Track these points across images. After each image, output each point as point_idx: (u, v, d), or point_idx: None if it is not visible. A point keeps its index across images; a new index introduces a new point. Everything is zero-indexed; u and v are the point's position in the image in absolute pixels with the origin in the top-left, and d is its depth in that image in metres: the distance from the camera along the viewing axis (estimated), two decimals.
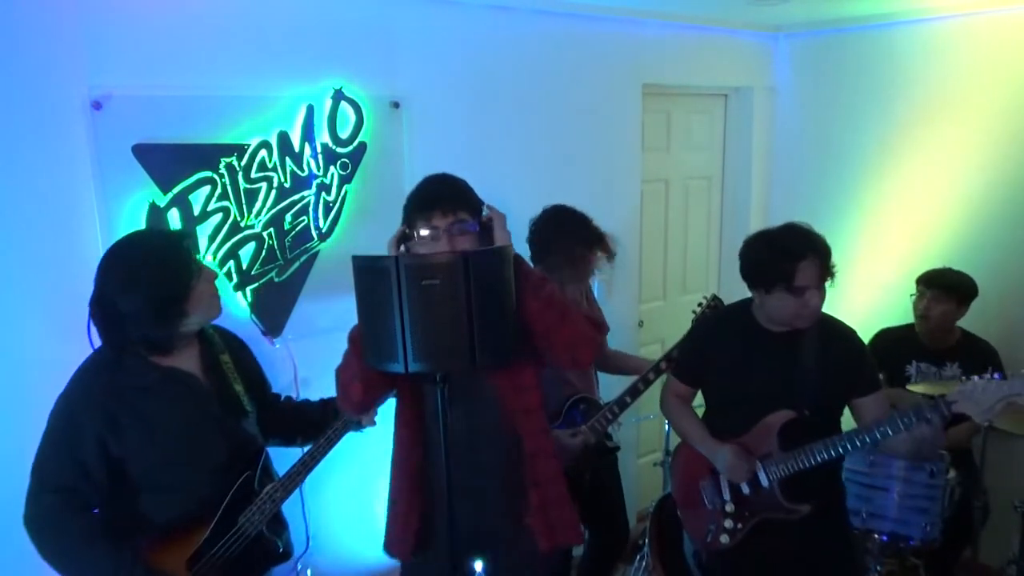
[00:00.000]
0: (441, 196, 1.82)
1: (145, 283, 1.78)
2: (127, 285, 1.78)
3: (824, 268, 2.12)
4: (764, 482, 2.23)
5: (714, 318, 2.47)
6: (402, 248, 1.84)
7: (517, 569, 1.96)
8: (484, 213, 1.87)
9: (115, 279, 1.80)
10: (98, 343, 1.88)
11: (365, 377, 1.80)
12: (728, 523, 2.30)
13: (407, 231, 1.84)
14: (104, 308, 1.81)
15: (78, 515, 1.82)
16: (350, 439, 2.19)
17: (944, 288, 3.06)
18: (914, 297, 3.14)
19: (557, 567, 2.13)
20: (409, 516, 1.93)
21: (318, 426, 2.16)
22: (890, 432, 2.06)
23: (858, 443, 2.12)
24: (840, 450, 2.14)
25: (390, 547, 2.02)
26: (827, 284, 2.15)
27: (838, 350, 2.20)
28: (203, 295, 1.88)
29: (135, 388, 1.85)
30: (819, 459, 2.16)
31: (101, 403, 1.81)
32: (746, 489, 2.27)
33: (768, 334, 2.23)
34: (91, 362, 1.89)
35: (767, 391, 2.22)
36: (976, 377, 1.97)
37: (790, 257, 2.10)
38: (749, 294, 2.28)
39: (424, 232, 1.80)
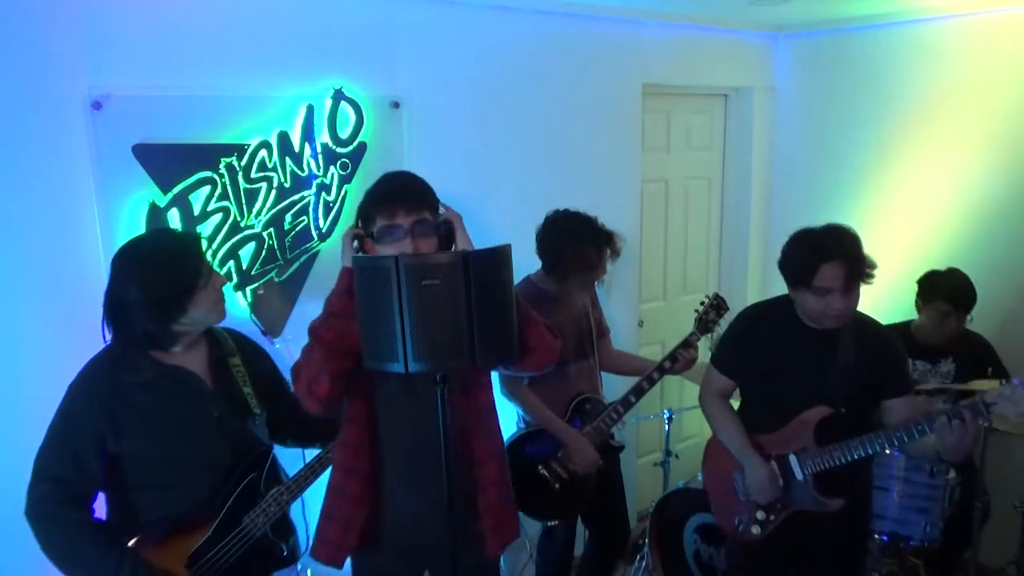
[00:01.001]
0: (406, 193, 1.80)
1: (149, 276, 1.80)
2: (133, 277, 1.81)
3: (853, 272, 2.10)
4: (799, 475, 2.25)
5: (756, 312, 2.46)
6: (355, 245, 1.80)
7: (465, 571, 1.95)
8: (441, 213, 1.84)
9: (123, 271, 1.83)
10: (109, 338, 1.90)
11: (331, 370, 1.73)
12: (760, 515, 2.32)
13: (360, 230, 1.81)
14: (112, 300, 1.84)
15: (70, 507, 1.82)
16: None
17: (967, 305, 2.97)
18: (926, 310, 3.04)
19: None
20: (353, 519, 1.89)
21: (334, 430, 2.14)
22: (928, 430, 2.06)
23: (895, 441, 2.12)
24: (877, 447, 2.16)
25: (321, 551, 1.94)
26: (861, 287, 2.13)
27: (874, 350, 2.22)
28: (208, 298, 1.88)
29: (134, 383, 1.86)
30: (855, 455, 2.18)
31: (102, 397, 1.83)
32: (780, 482, 2.28)
33: (808, 331, 2.24)
34: (98, 357, 1.92)
35: (805, 388, 2.24)
36: (1016, 381, 1.97)
37: (814, 258, 2.11)
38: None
39: (385, 229, 1.76)
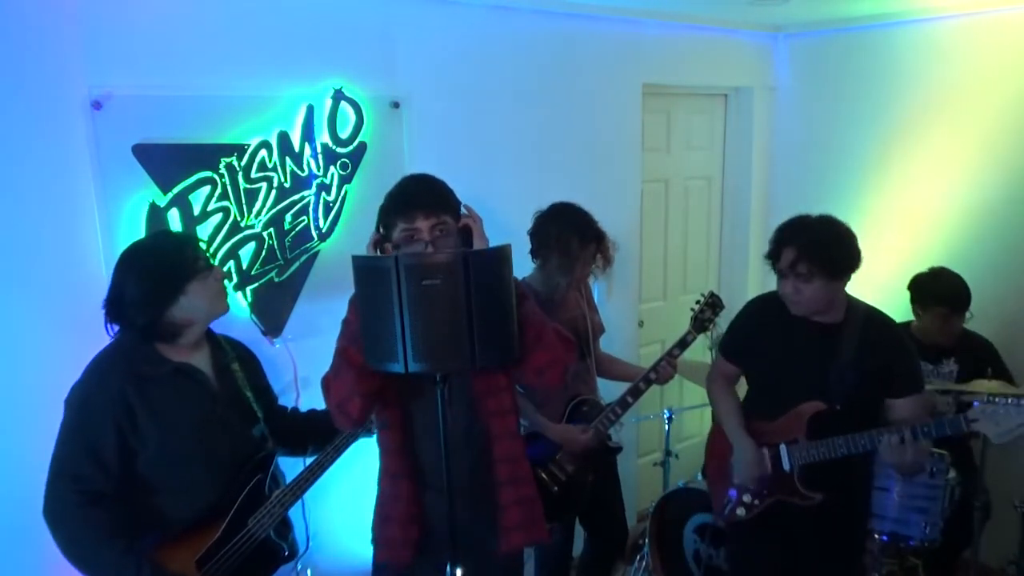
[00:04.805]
0: (424, 198, 1.78)
1: (142, 268, 1.86)
2: (128, 271, 1.87)
3: (803, 262, 2.13)
4: (786, 465, 2.28)
5: (764, 300, 2.48)
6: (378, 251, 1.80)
7: (491, 570, 1.96)
8: (461, 212, 1.85)
9: (121, 269, 1.89)
10: (114, 333, 1.93)
11: (364, 391, 1.75)
12: (747, 498, 2.36)
13: (383, 234, 1.81)
14: (111, 296, 1.89)
15: (89, 508, 1.81)
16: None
17: (965, 304, 2.98)
18: (925, 316, 3.03)
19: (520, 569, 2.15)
20: (411, 516, 1.92)
21: (327, 435, 2.19)
22: (870, 446, 2.10)
23: (871, 444, 2.12)
24: (861, 447, 2.15)
25: (387, 553, 1.95)
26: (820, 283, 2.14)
27: (880, 347, 2.20)
28: (208, 289, 1.92)
29: (149, 378, 1.87)
30: (840, 453, 2.19)
31: (118, 389, 1.84)
32: (768, 467, 2.31)
33: (811, 324, 2.25)
34: (107, 351, 1.93)
35: (803, 381, 2.25)
36: (1000, 399, 1.98)
37: (776, 240, 2.23)
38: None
39: (405, 235, 1.76)
